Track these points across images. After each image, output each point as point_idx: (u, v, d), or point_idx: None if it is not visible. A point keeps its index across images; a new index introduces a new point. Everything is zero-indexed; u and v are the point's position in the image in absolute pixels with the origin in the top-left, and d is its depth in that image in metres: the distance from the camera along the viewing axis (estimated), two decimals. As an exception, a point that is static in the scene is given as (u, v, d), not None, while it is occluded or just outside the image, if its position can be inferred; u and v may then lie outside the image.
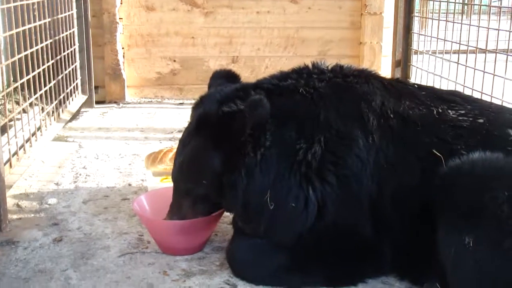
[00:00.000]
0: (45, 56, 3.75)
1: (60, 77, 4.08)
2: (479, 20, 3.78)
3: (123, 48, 5.15)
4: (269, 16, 5.31)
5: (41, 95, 3.68)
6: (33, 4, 3.59)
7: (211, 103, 2.24)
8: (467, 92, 3.38)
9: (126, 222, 2.73)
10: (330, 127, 2.15)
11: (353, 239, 2.15)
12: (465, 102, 2.25)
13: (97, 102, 4.97)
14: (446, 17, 4.16)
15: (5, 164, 2.79)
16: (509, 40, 3.52)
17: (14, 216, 2.76)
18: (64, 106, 4.20)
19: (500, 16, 3.70)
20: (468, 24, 3.84)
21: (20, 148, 3.17)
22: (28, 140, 3.34)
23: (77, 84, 4.60)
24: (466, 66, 3.76)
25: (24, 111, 3.40)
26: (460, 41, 3.86)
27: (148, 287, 2.19)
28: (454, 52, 4.00)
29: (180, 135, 2.42)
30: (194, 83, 5.27)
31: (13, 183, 3.11)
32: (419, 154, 2.11)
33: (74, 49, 4.52)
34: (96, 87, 4.97)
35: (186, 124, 2.41)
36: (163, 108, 5.01)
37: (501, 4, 4.66)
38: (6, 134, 2.99)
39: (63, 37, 4.18)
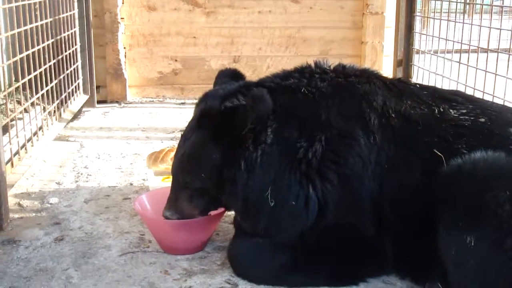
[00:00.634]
0: (46, 56, 3.76)
1: (61, 76, 4.09)
2: (481, 19, 3.77)
3: (124, 48, 5.15)
4: (271, 15, 5.31)
5: (42, 95, 3.68)
6: (34, 4, 3.60)
7: (214, 99, 2.25)
8: (469, 91, 3.38)
9: (127, 222, 2.74)
10: (332, 126, 2.15)
11: (354, 238, 2.15)
12: (466, 102, 2.24)
13: (99, 102, 4.98)
14: (448, 17, 4.15)
15: (6, 163, 2.79)
16: (511, 39, 3.52)
17: (16, 215, 2.77)
18: (65, 105, 4.21)
19: (502, 15, 3.68)
20: (469, 24, 3.84)
21: (21, 148, 3.18)
22: (29, 139, 3.34)
23: (78, 83, 4.60)
24: (467, 66, 3.75)
25: (25, 110, 3.40)
26: (461, 40, 3.85)
27: (149, 286, 2.19)
28: (456, 52, 4.00)
29: (181, 135, 2.42)
30: (195, 82, 5.28)
31: (15, 182, 3.13)
32: (420, 154, 2.10)
33: (76, 49, 4.53)
34: (97, 87, 4.99)
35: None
36: (164, 108, 5.01)
37: (503, 3, 4.65)
38: (8, 134, 2.99)
39: (64, 37, 4.19)
